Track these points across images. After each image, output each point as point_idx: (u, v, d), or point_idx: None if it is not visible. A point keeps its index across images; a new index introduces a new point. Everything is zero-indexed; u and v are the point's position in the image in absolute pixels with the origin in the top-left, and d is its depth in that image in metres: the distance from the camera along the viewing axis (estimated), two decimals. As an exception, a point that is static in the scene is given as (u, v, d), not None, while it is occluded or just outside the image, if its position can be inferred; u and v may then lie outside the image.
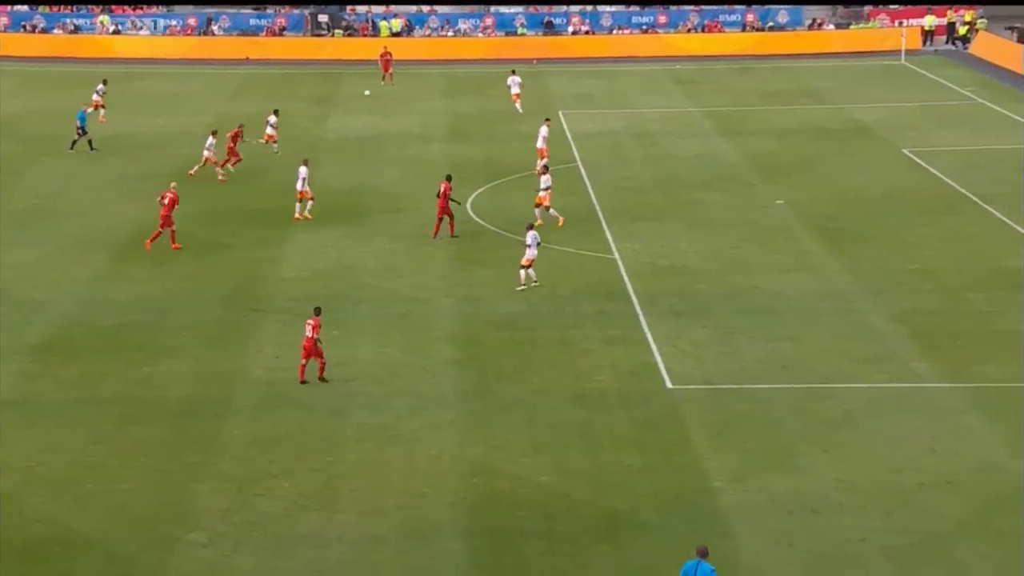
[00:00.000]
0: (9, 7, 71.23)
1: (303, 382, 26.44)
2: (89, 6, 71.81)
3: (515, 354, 28.01)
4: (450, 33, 71.45)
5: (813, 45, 68.63)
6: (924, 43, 68.60)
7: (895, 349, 28.08)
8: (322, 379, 26.51)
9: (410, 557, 20.21)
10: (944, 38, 69.22)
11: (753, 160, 45.26)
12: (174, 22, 71.57)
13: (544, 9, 72.83)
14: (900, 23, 69.58)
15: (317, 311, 26.84)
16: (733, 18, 71.95)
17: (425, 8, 73.10)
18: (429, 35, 70.86)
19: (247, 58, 67.44)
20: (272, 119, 46.33)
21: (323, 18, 72.08)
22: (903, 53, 65.41)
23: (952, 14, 69.29)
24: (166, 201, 35.14)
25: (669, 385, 26.41)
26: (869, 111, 53.06)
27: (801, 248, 35.24)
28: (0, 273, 33.35)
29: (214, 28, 71.30)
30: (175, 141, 48.49)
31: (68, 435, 24.31)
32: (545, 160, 41.20)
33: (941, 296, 31.36)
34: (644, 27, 71.71)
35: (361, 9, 72.75)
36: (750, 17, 71.74)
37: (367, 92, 57.08)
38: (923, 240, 35.71)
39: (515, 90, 53.82)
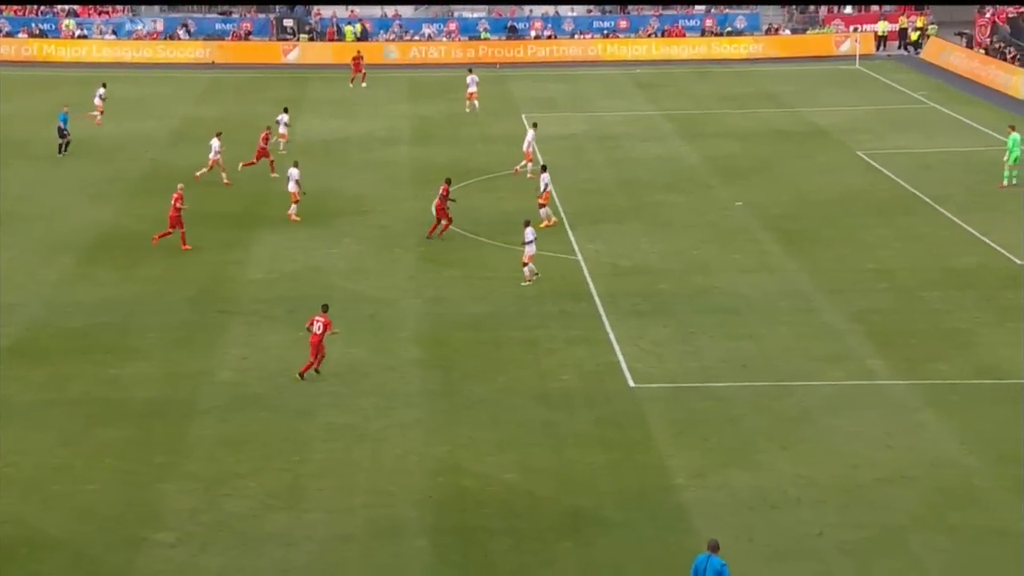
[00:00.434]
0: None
1: (317, 371, 26.84)
2: (55, 7, 71.54)
3: (480, 354, 28.24)
4: (415, 38, 71.69)
5: (770, 50, 69.48)
6: (878, 48, 69.68)
7: (852, 347, 28.49)
8: (302, 376, 26.68)
9: (377, 555, 20.33)
10: (897, 43, 70.30)
11: (713, 162, 45.78)
12: (140, 27, 71.42)
13: (507, 14, 73.27)
14: (854, 29, 70.60)
15: (325, 308, 27.21)
16: (692, 23, 72.70)
17: (389, 13, 73.32)
18: (393, 40, 71.08)
19: (212, 62, 67.46)
20: (284, 118, 46.82)
21: (288, 23, 72.18)
22: (857, 58, 66.37)
23: (904, 20, 70.49)
24: (172, 201, 35.36)
25: (632, 384, 26.68)
26: (825, 114, 53.74)
27: (760, 248, 35.67)
28: (-34, 276, 33.33)
29: (180, 33, 71.22)
30: (141, 145, 48.51)
31: (35, 437, 24.32)
32: (528, 163, 41.99)
33: (896, 295, 31.81)
34: (605, 32, 72.26)
35: (326, 13, 72.89)
36: (709, 23, 72.53)
37: (363, 85, 57.69)
38: (878, 240, 36.23)
39: (471, 88, 54.46)
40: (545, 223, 36.94)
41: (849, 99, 57.35)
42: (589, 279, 33.03)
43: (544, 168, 38.56)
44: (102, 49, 68.88)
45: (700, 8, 73.98)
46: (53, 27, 71.31)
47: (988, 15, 67.05)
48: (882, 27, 70.52)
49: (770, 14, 73.82)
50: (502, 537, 20.78)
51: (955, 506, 21.62)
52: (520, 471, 22.91)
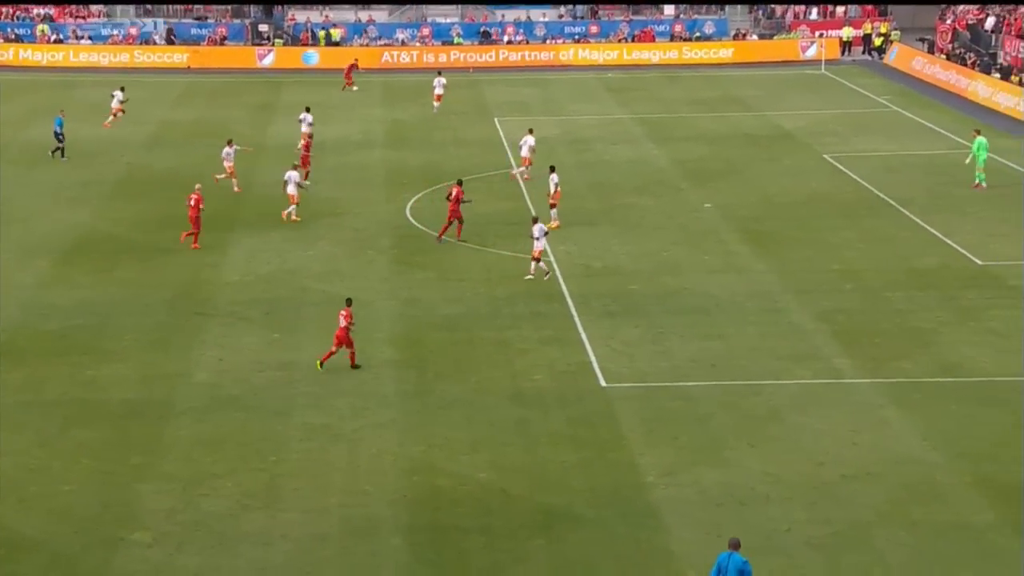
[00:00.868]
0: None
1: (355, 367, 27.32)
2: (29, 8, 71.37)
3: (454, 355, 28.44)
4: (389, 42, 71.90)
5: (738, 55, 70.12)
6: (842, 54, 70.52)
7: (818, 347, 28.82)
8: (355, 366, 27.25)
9: (353, 554, 20.45)
10: (861, 49, 71.16)
11: (682, 165, 46.18)
12: (116, 32, 71.37)
13: (480, 19, 73.65)
14: (820, 35, 71.41)
15: (348, 302, 27.69)
16: (662, 28, 73.31)
17: (364, 18, 73.54)
18: (367, 44, 71.29)
19: (188, 67, 67.54)
20: (308, 117, 47.25)
21: (263, 28, 72.32)
22: (823, 63, 67.09)
23: (869, 26, 71.41)
24: (191, 203, 35.58)
25: (603, 383, 26.91)
26: (792, 118, 54.26)
27: (729, 250, 36.04)
28: (-58, 280, 33.32)
29: (155, 38, 71.22)
30: (117, 148, 48.54)
31: (12, 438, 24.36)
32: (526, 168, 42.32)
33: (861, 295, 32.17)
34: (577, 37, 72.74)
35: (300, 19, 73.03)
36: (678, 28, 73.19)
37: (354, 89, 58.25)
38: (844, 242, 36.64)
39: (438, 91, 54.98)
40: (555, 224, 37.15)
41: (815, 103, 57.95)
42: (561, 280, 33.28)
43: (552, 169, 38.69)
44: (79, 53, 68.81)
45: (669, 13, 74.67)
46: (28, 32, 71.14)
47: (949, 22, 68.07)
48: (847, 33, 71.46)
49: (737, 20, 74.63)
50: (476, 535, 20.94)
51: (918, 501, 21.94)
52: (493, 470, 23.10)
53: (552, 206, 37.68)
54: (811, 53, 69.29)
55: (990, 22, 65.15)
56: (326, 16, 73.54)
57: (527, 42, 71.89)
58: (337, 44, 70.97)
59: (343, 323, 27.23)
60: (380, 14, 75.18)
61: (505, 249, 35.87)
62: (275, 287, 32.96)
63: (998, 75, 58.67)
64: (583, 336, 29.49)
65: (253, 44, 71.21)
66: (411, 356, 28.28)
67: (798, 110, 56.11)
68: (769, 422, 25.08)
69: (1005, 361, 27.91)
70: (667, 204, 41.04)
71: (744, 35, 73.08)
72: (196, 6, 74.20)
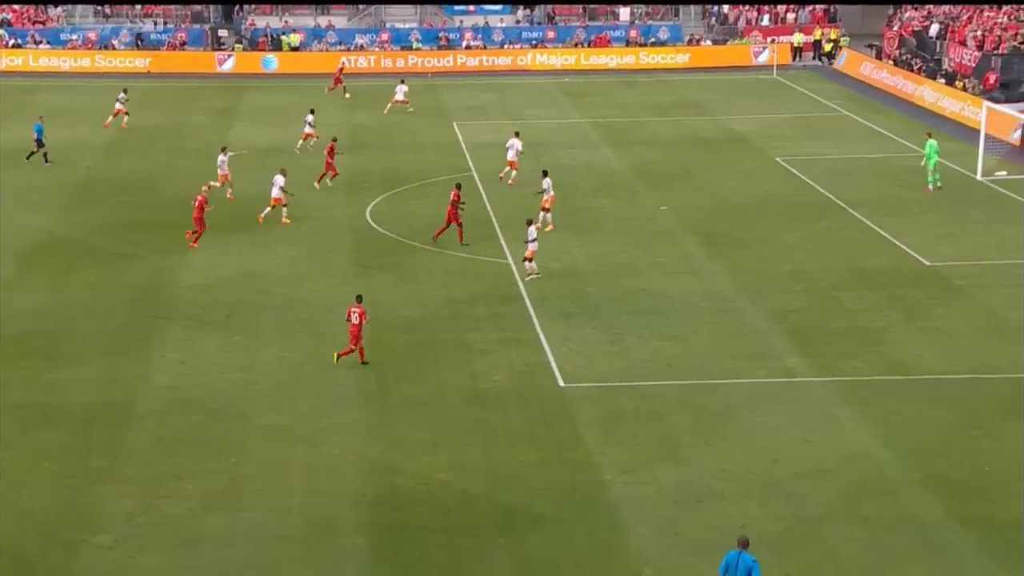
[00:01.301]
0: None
1: (339, 359, 27.71)
2: None
3: (414, 356, 28.61)
4: (348, 47, 72.01)
5: (694, 60, 70.71)
6: (794, 59, 71.40)
7: (772, 346, 29.20)
8: (364, 363, 27.65)
9: (314, 554, 20.54)
10: (812, 54, 72.08)
11: (638, 169, 46.62)
12: (75, 36, 71.01)
13: (438, 24, 73.92)
14: (772, 40, 72.32)
15: (359, 298, 27.99)
16: (618, 34, 73.90)
17: (323, 23, 73.61)
18: (326, 50, 71.35)
19: (149, 72, 67.38)
20: (309, 118, 47.74)
21: (223, 33, 72.22)
22: (775, 68, 67.86)
23: (819, 32, 72.42)
24: (195, 203, 35.77)
25: (561, 383, 27.16)
26: (745, 122, 54.84)
27: (684, 252, 36.44)
28: (-100, 285, 33.13)
29: (115, 42, 70.94)
30: (77, 153, 48.37)
31: (-28, 442, 24.22)
32: (512, 171, 42.61)
33: (812, 295, 32.61)
34: (534, 42, 73.15)
35: (260, 24, 73.00)
36: (633, 33, 73.83)
37: (347, 96, 57.45)
38: (796, 243, 37.13)
39: (398, 96, 55.32)
40: (548, 227, 37.42)
41: (767, 107, 58.60)
42: (520, 282, 33.57)
43: (545, 173, 38.96)
44: (39, 58, 68.46)
45: (625, 19, 75.26)
46: (-11, 36, 70.78)
47: (896, 28, 69.18)
48: (797, 39, 72.45)
49: (691, 25, 75.39)
50: (436, 534, 21.08)
51: (869, 497, 22.28)
52: (453, 470, 23.27)
53: (545, 210, 37.95)
54: (763, 58, 70.19)
55: (934, 29, 66.34)
56: (285, 22, 73.52)
57: (485, 47, 72.22)
58: (296, 49, 71.01)
59: (356, 320, 27.44)
60: (339, 19, 75.27)
61: (464, 252, 36.09)
62: (236, 290, 33.02)
63: (943, 80, 59.66)
64: (542, 337, 29.74)
65: (213, 49, 71.11)
66: (372, 358, 28.36)
67: (751, 114, 56.73)
68: (725, 420, 25.39)
69: (951, 359, 28.47)
70: (624, 207, 41.44)
71: (698, 40, 73.79)
72: (153, 8, 73.91)
